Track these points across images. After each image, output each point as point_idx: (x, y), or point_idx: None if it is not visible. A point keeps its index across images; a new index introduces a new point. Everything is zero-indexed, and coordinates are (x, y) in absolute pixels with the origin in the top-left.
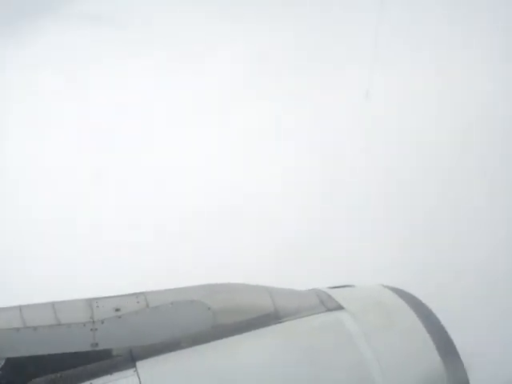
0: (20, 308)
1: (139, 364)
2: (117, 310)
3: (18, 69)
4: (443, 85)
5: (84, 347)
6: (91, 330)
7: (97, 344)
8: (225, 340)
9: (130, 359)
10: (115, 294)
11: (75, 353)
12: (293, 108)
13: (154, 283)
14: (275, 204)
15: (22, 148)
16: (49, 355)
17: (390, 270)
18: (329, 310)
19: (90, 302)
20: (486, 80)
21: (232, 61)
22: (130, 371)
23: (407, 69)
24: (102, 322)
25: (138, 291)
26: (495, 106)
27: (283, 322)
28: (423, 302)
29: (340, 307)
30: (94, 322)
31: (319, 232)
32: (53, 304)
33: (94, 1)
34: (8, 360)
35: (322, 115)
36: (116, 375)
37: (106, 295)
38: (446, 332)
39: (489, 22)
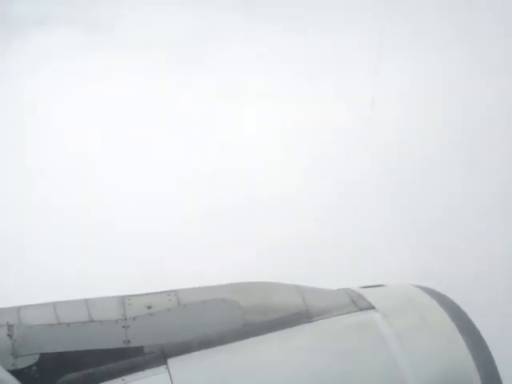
0: (54, 304)
1: (170, 361)
2: (149, 307)
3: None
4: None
5: (116, 344)
6: (123, 327)
7: (129, 341)
8: (255, 338)
9: (161, 356)
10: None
11: (108, 349)
12: (300, 110)
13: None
14: (283, 204)
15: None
16: (82, 351)
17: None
18: (360, 309)
19: (123, 300)
20: (489, 87)
21: (234, 61)
22: (162, 368)
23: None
24: (134, 319)
25: (169, 289)
26: (498, 112)
27: (314, 321)
28: (454, 301)
29: (371, 307)
30: (126, 319)
31: (329, 232)
32: (86, 301)
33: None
34: (42, 355)
35: (329, 117)
36: (147, 372)
37: (138, 293)
38: (478, 331)
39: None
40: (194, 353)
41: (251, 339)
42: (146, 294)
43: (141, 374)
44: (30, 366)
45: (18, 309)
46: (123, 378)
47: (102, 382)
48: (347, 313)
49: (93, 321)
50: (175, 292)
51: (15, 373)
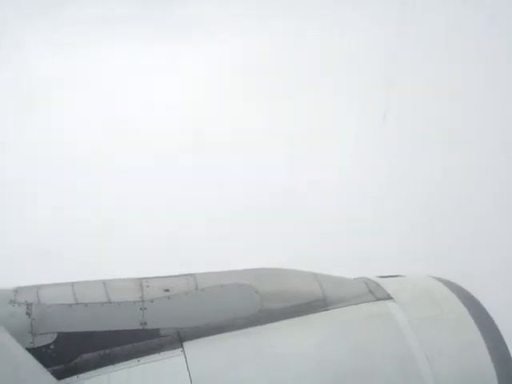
0: (72, 284)
1: (186, 344)
2: (166, 290)
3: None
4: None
5: (133, 325)
6: (140, 309)
7: (146, 323)
8: (272, 324)
9: (177, 339)
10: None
11: (124, 330)
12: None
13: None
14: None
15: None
16: (99, 332)
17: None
18: (377, 299)
19: (141, 282)
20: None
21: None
22: (177, 351)
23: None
24: (152, 302)
25: (187, 272)
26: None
27: (331, 309)
28: (472, 294)
29: (389, 297)
30: (143, 301)
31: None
32: (104, 282)
33: None
34: (60, 334)
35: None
36: (163, 354)
37: (156, 275)
38: (495, 325)
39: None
40: (210, 337)
41: (267, 325)
42: (164, 277)
43: (156, 356)
44: (48, 345)
45: (37, 288)
46: (139, 359)
47: (118, 362)
48: (364, 302)
49: (110, 302)
50: (193, 276)
51: (33, 351)
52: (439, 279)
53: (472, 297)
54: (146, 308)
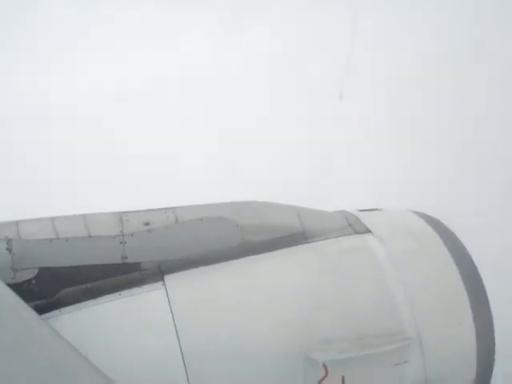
0: (53, 219)
1: (167, 277)
2: (146, 224)
3: None
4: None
5: (114, 259)
6: (121, 243)
7: (126, 257)
8: (251, 257)
9: (158, 273)
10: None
11: (105, 265)
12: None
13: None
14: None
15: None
16: (80, 266)
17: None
18: (356, 232)
19: (120, 216)
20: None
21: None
22: (158, 284)
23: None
24: (132, 236)
25: (167, 206)
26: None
27: (310, 242)
28: (449, 227)
29: (368, 230)
30: (123, 235)
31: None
32: (84, 216)
33: None
34: (41, 269)
35: None
36: (144, 288)
37: (136, 209)
38: (471, 258)
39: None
40: (191, 270)
41: (247, 258)
42: (144, 211)
43: (137, 289)
44: (29, 280)
45: (17, 223)
46: (120, 292)
47: (100, 296)
48: (344, 235)
49: (91, 236)
50: (173, 209)
51: (14, 286)
52: (417, 213)
53: (448, 230)
54: (126, 242)
